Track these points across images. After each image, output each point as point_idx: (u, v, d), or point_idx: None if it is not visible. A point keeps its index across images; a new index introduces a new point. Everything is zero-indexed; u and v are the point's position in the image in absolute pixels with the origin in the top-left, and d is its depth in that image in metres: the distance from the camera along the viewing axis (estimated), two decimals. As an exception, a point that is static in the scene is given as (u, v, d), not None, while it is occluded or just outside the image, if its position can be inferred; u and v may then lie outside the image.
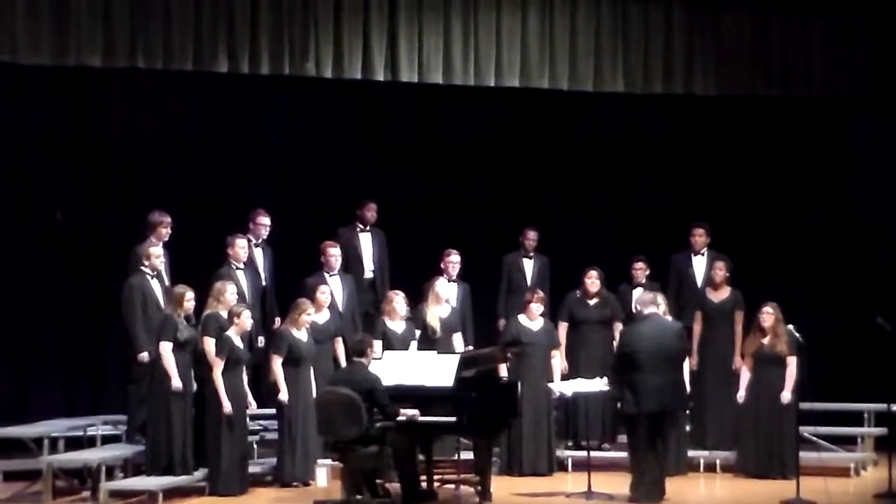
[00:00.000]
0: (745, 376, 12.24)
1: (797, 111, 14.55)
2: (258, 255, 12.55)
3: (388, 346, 11.65)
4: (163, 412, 11.02)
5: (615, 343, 12.24)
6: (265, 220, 12.59)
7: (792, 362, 11.97)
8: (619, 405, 11.01)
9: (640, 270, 13.07)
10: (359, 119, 14.37)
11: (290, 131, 14.20)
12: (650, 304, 11.10)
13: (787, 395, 11.92)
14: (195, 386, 11.22)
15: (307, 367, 11.61)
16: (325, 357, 11.93)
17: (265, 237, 12.62)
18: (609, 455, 12.45)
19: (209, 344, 11.17)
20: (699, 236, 13.24)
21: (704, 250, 13.23)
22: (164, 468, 10.99)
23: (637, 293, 12.55)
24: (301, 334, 11.61)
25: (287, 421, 11.54)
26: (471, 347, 12.35)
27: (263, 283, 12.51)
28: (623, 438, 12.15)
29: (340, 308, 12.40)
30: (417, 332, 12.12)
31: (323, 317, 11.96)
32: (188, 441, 11.11)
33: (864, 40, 13.85)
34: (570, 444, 12.73)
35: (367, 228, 13.15)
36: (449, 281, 12.77)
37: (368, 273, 13.12)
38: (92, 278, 13.22)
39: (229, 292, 11.41)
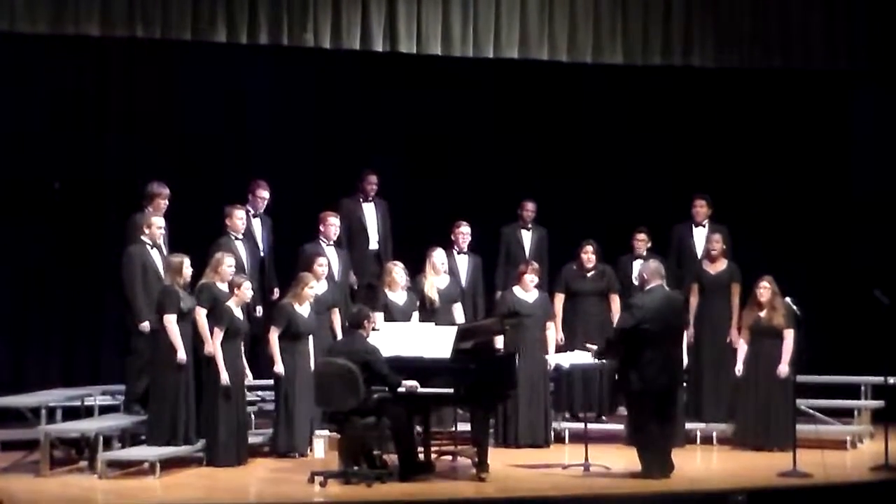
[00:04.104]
0: (743, 349, 12.26)
1: (797, 83, 14.52)
2: (257, 225, 12.51)
3: (389, 317, 11.66)
4: (166, 383, 10.97)
5: (614, 315, 12.26)
6: (264, 193, 12.54)
7: (789, 335, 11.98)
8: (620, 380, 10.77)
9: (642, 242, 12.97)
10: (360, 89, 14.30)
11: (290, 101, 14.15)
12: (655, 274, 10.77)
13: (784, 369, 11.95)
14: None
15: (306, 340, 11.61)
16: (322, 328, 11.92)
17: (263, 209, 12.59)
18: (606, 427, 12.47)
19: (201, 314, 11.14)
20: (700, 207, 13.18)
21: (706, 222, 13.19)
22: (165, 439, 10.98)
23: (637, 265, 12.53)
24: (303, 309, 11.60)
25: (283, 393, 11.54)
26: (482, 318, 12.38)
27: (262, 255, 12.49)
28: (621, 411, 12.20)
29: (336, 279, 12.38)
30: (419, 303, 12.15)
31: (321, 287, 11.93)
32: (190, 412, 11.09)
33: (863, 12, 13.79)
34: (567, 415, 12.74)
35: (370, 199, 13.11)
36: (459, 253, 12.81)
37: (374, 244, 13.08)
38: (90, 247, 13.21)
39: (227, 264, 11.34)
